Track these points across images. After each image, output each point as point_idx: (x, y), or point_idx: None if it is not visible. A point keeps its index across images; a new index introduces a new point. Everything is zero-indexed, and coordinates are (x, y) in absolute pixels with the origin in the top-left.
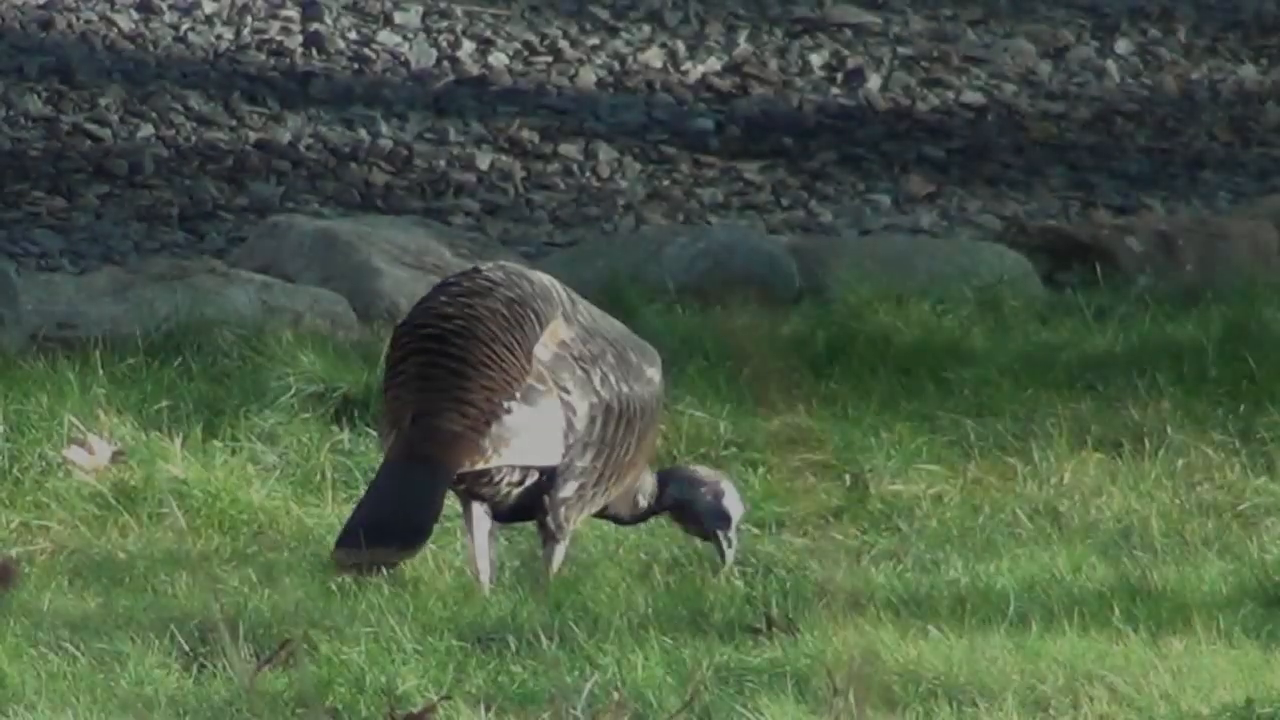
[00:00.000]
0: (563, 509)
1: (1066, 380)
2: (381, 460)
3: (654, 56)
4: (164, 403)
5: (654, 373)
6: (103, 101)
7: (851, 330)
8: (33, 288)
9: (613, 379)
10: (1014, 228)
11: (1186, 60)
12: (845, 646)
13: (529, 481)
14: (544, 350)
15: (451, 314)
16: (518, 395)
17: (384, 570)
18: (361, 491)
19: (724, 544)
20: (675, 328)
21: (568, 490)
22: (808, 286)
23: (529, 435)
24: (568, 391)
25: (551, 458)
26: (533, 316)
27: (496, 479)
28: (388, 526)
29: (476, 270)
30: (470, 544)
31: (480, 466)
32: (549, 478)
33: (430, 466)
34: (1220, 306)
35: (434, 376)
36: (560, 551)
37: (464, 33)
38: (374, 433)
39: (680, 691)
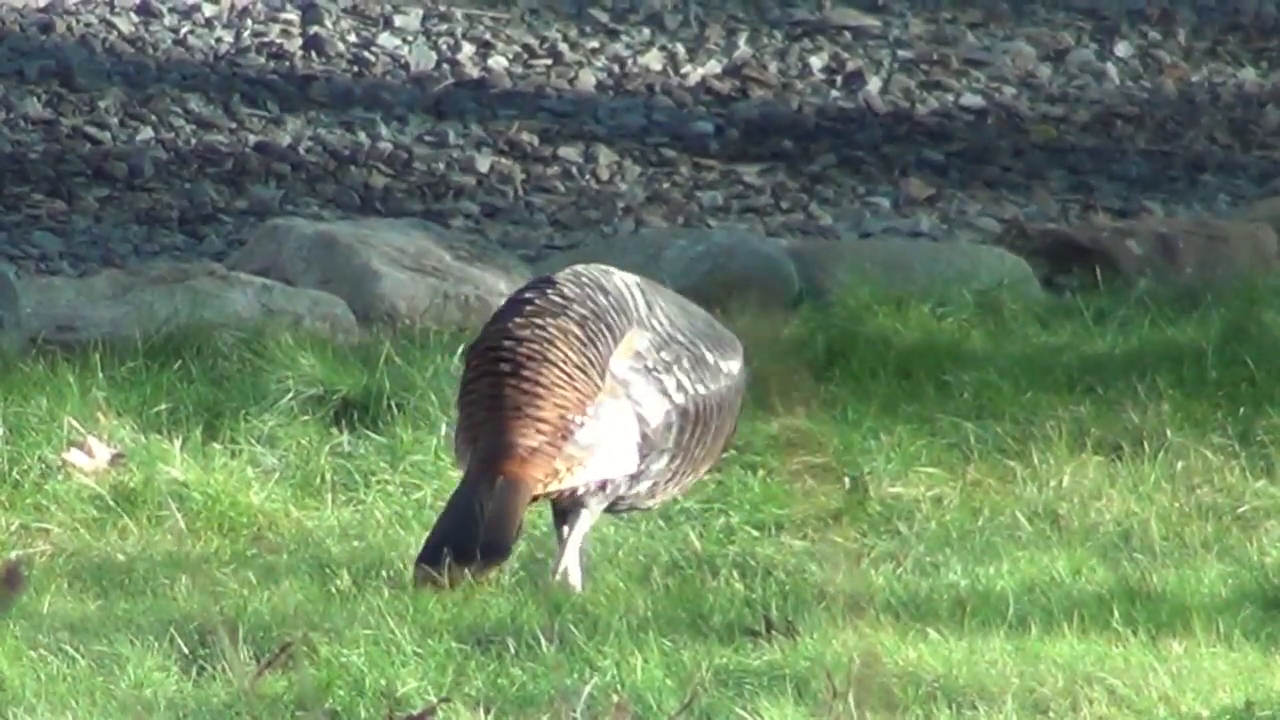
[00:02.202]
0: (633, 503)
1: (1066, 383)
2: (461, 477)
3: (654, 59)
4: (163, 405)
5: (732, 364)
6: (102, 104)
7: (851, 333)
8: (32, 290)
9: (688, 383)
10: (1014, 231)
11: (1186, 63)
12: (845, 649)
13: (609, 489)
14: (619, 363)
15: (524, 336)
16: (590, 413)
17: (465, 580)
18: (360, 494)
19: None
20: None
21: (641, 488)
22: (807, 289)
23: (602, 452)
24: (640, 404)
25: (627, 468)
26: (606, 332)
27: (580, 494)
28: (470, 544)
29: (551, 282)
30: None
31: (554, 487)
32: (627, 480)
33: (508, 482)
34: (1220, 309)
35: (507, 396)
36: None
37: (464, 35)
38: (373, 435)
39: (680, 694)
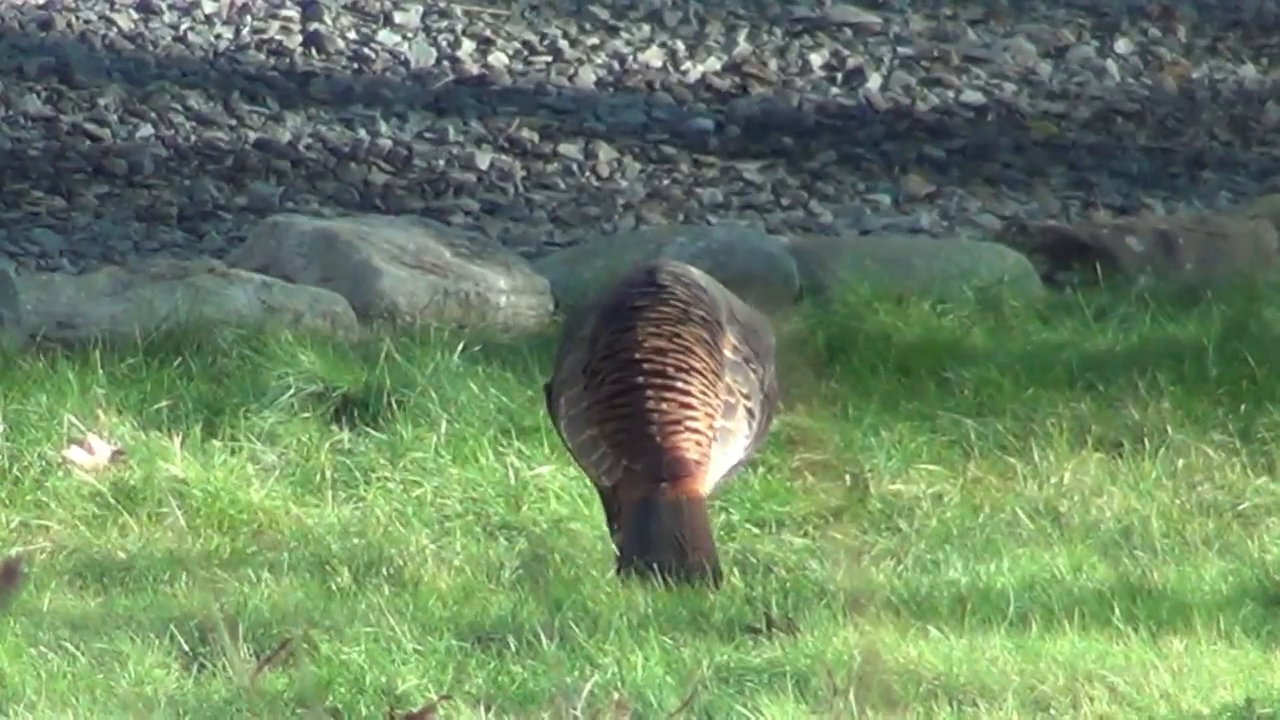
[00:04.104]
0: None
1: (1067, 380)
2: (626, 494)
3: (654, 56)
4: (164, 402)
5: (772, 341)
6: (102, 101)
7: (851, 330)
8: (32, 287)
9: (767, 369)
10: (1014, 227)
11: (1187, 60)
12: (845, 646)
13: (723, 479)
14: (725, 359)
15: (664, 347)
16: (722, 414)
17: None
18: (360, 491)
19: None
20: None
21: (730, 477)
22: (808, 286)
23: (729, 449)
24: (747, 397)
25: (736, 459)
26: (719, 331)
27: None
28: (682, 569)
29: (657, 285)
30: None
31: (707, 492)
32: (739, 469)
33: (692, 502)
34: (1220, 306)
35: (665, 410)
36: None
37: (464, 32)
38: (373, 432)
39: (680, 691)
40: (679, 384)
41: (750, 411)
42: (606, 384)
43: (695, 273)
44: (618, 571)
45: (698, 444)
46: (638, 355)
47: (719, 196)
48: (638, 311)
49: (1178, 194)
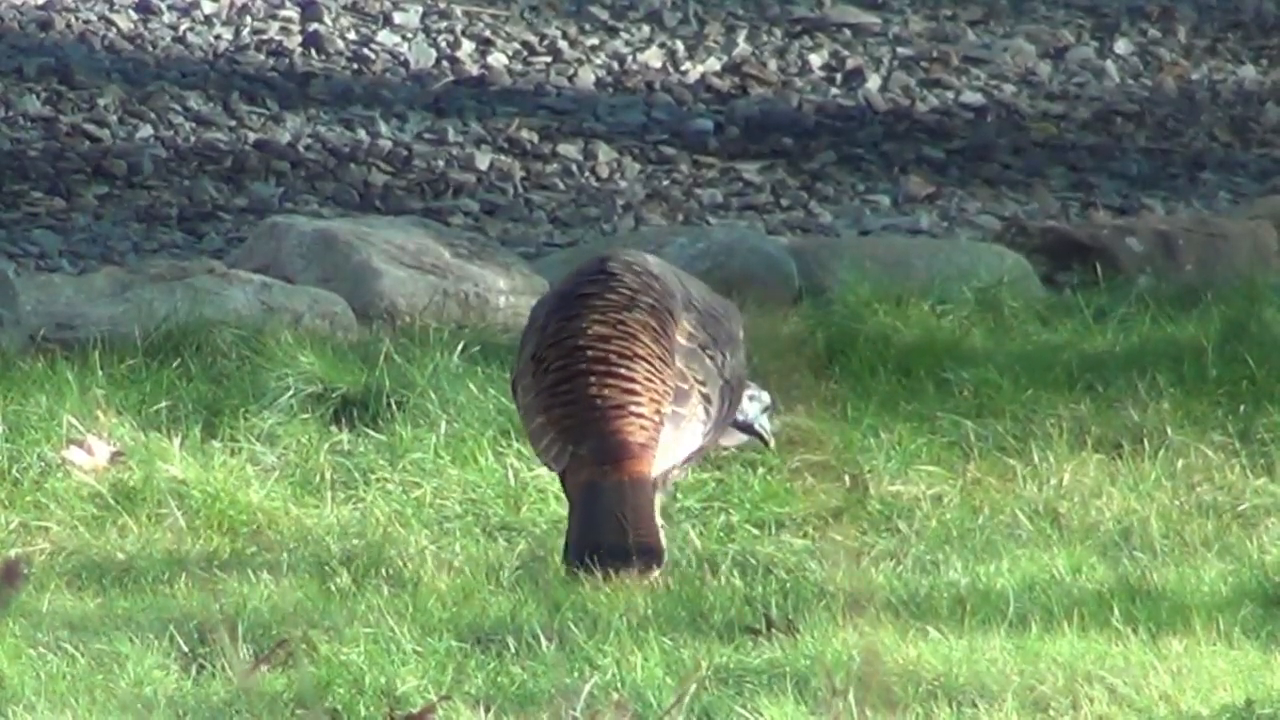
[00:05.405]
0: (679, 474)
1: (1066, 381)
2: (573, 478)
3: (653, 57)
4: (163, 403)
5: (740, 330)
6: (102, 102)
7: (851, 331)
8: (32, 288)
9: (728, 356)
10: (1014, 228)
11: (1186, 60)
12: (845, 647)
13: (680, 465)
14: (679, 345)
15: (608, 334)
16: (672, 399)
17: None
18: (359, 492)
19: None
20: None
21: (690, 461)
22: (807, 287)
23: (682, 434)
24: (703, 384)
25: (694, 446)
26: (670, 318)
27: (665, 474)
28: (623, 548)
29: (608, 274)
30: None
31: (654, 475)
32: (697, 454)
33: (634, 482)
34: (1220, 307)
35: (608, 395)
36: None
37: (463, 33)
38: (373, 433)
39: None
40: (622, 370)
41: (706, 397)
42: (551, 371)
43: (650, 260)
44: (564, 559)
45: (642, 428)
46: (581, 342)
47: (718, 197)
48: (584, 299)
49: (1177, 195)
